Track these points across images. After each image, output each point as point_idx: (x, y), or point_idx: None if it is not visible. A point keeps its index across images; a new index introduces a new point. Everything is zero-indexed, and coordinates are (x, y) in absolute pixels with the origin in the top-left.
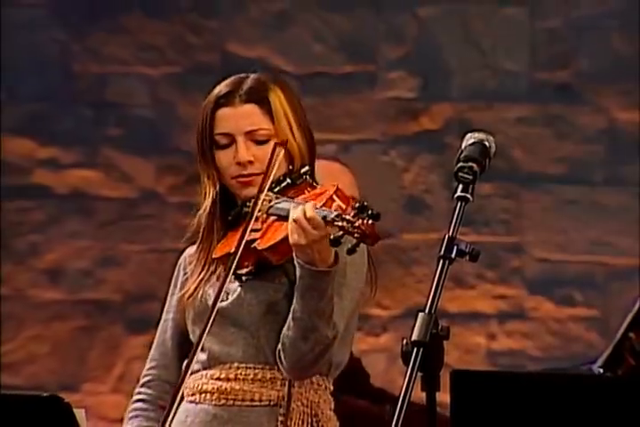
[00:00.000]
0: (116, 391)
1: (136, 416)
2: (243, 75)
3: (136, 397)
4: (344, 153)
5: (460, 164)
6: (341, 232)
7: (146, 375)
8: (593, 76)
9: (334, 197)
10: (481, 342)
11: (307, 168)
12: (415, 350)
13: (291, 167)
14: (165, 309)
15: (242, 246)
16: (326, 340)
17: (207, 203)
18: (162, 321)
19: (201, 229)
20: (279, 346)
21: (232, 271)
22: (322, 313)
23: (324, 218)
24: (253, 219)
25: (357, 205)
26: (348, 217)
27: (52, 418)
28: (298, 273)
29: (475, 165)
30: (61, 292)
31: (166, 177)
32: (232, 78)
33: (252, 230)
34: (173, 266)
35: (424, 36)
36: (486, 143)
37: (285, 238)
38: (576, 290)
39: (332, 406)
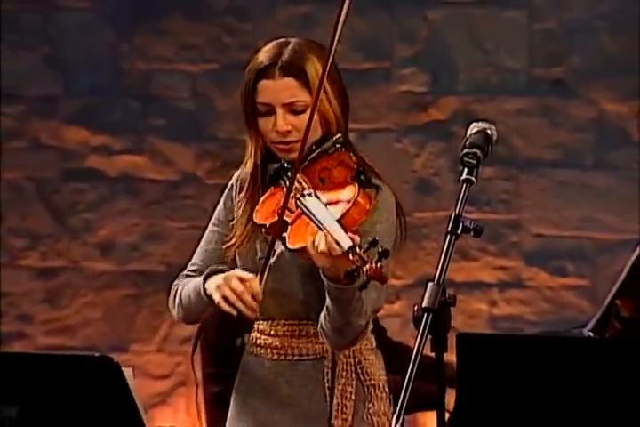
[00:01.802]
0: (160, 351)
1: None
2: (282, 41)
3: (176, 282)
4: (362, 141)
5: (466, 150)
6: (355, 266)
7: (187, 275)
8: (584, 73)
9: (357, 202)
10: (483, 309)
11: (339, 136)
12: (425, 315)
13: (326, 130)
14: (213, 221)
15: (278, 230)
16: (359, 328)
17: (250, 163)
18: (208, 231)
19: (246, 184)
20: (319, 326)
21: (271, 250)
22: (352, 311)
23: (341, 248)
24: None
25: (370, 239)
26: (359, 252)
27: (103, 376)
28: (325, 285)
29: (478, 151)
30: (112, 263)
31: (204, 162)
32: (272, 47)
33: (288, 209)
34: None
35: (433, 36)
36: (489, 132)
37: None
38: (568, 262)
39: (374, 344)
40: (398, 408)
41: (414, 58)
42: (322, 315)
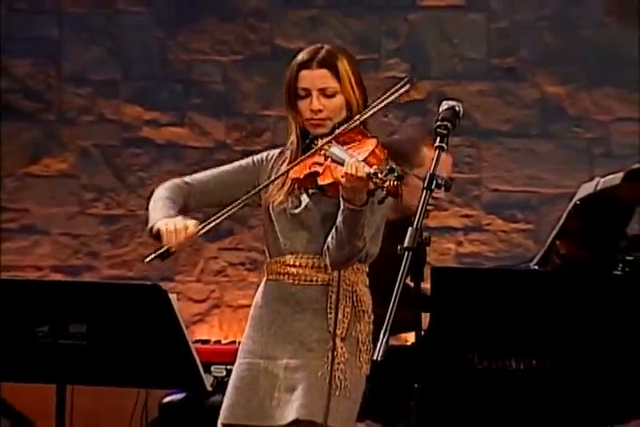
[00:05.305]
0: (198, 281)
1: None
2: (319, 45)
3: (172, 183)
4: None
5: (438, 123)
6: (375, 186)
7: (183, 182)
8: (531, 62)
9: (375, 151)
10: (451, 247)
11: (360, 117)
12: (406, 253)
13: (350, 114)
14: (236, 164)
15: (306, 176)
16: (356, 249)
17: (292, 137)
18: (228, 167)
19: (289, 153)
20: (325, 246)
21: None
22: (355, 233)
23: (366, 171)
24: (317, 154)
25: (388, 167)
26: (380, 176)
27: (154, 300)
28: (342, 206)
29: (448, 124)
30: None
31: (233, 132)
32: (312, 48)
33: (317, 163)
34: None
35: (413, 34)
36: (457, 108)
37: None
38: (518, 211)
39: (367, 283)
40: (384, 326)
41: (397, 50)
42: (330, 235)
